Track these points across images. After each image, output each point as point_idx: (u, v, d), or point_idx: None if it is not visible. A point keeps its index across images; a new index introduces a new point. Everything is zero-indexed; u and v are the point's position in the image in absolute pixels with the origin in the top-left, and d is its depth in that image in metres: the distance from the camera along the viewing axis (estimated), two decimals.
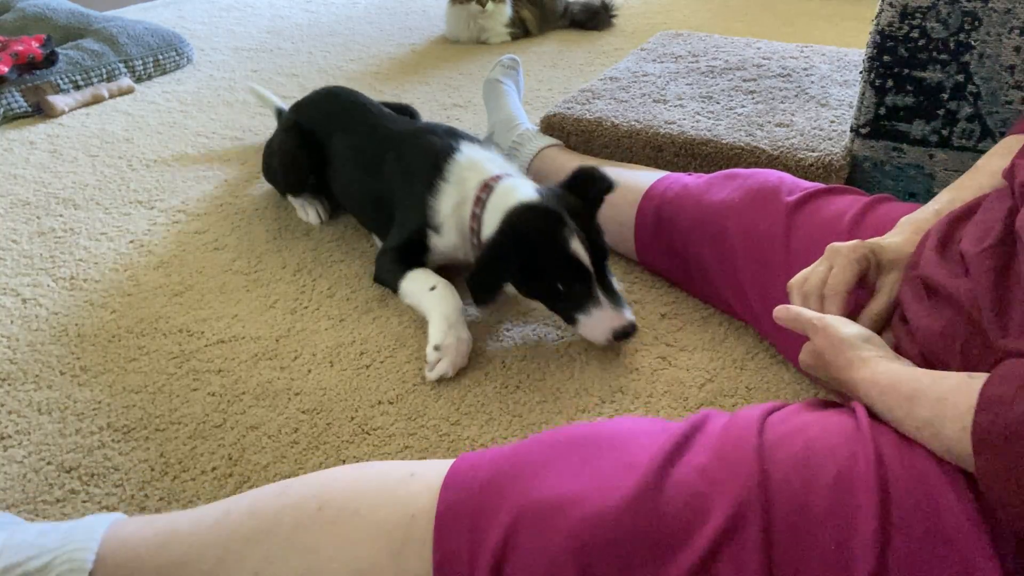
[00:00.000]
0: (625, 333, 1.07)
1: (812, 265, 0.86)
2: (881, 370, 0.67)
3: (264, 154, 1.53)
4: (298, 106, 1.50)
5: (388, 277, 1.23)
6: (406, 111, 1.56)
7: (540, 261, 1.05)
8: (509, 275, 1.09)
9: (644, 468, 0.62)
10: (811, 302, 0.83)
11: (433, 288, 1.15)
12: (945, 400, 0.58)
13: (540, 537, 0.60)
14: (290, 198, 1.51)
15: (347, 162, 1.37)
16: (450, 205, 1.18)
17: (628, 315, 1.07)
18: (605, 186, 1.13)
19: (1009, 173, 0.75)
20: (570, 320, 1.09)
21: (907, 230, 0.86)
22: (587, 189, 1.12)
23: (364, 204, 1.36)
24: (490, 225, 1.11)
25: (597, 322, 1.06)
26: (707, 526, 0.58)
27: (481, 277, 1.06)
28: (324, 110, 1.45)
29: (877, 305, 0.82)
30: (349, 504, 0.66)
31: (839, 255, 0.83)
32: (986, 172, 0.88)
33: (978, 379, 0.57)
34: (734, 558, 0.57)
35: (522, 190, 1.12)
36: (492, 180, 1.16)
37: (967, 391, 0.56)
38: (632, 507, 0.59)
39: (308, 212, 1.48)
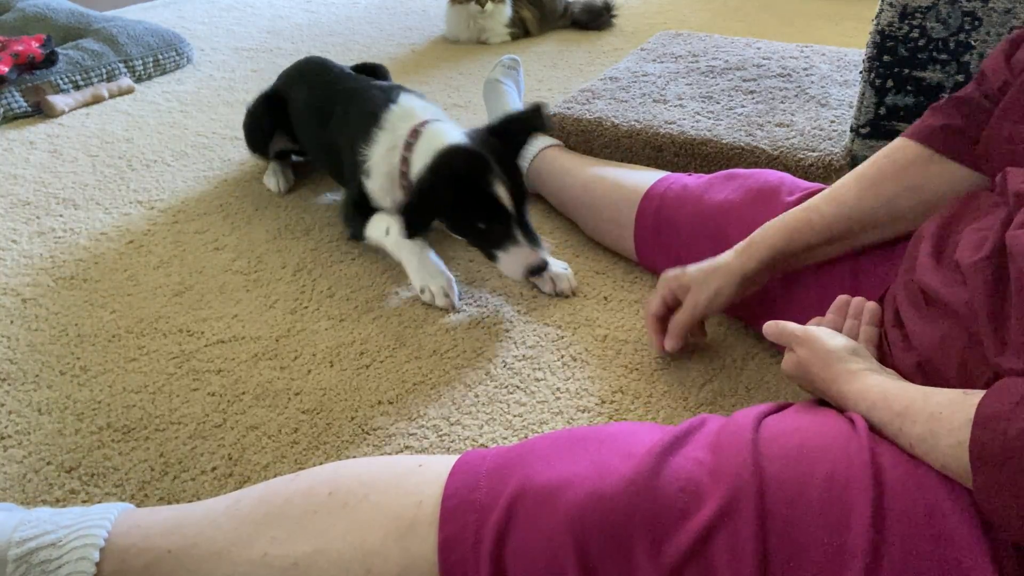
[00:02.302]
0: (538, 268, 1.15)
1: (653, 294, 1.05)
2: (871, 384, 0.67)
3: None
4: (280, 76, 1.59)
5: (352, 229, 1.33)
6: (374, 71, 1.61)
7: (464, 200, 1.12)
8: (437, 211, 1.15)
9: (642, 456, 0.64)
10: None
11: (388, 231, 1.25)
12: (939, 416, 0.58)
13: (538, 516, 0.61)
14: (264, 166, 1.62)
15: (305, 117, 1.46)
16: (381, 151, 1.24)
17: (542, 253, 1.14)
18: (530, 127, 1.19)
19: (1002, 181, 0.74)
20: (490, 256, 1.17)
21: (738, 249, 0.98)
22: (515, 132, 1.19)
23: (321, 155, 1.47)
24: (418, 166, 1.17)
25: (513, 258, 1.14)
26: (702, 510, 0.59)
27: (412, 211, 1.11)
28: (296, 75, 1.54)
29: (678, 318, 1.02)
30: (358, 491, 0.67)
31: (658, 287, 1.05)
32: (841, 205, 0.92)
33: (974, 396, 0.57)
34: (729, 541, 0.58)
35: (450, 133, 1.19)
36: (421, 125, 1.22)
37: (962, 407, 0.56)
38: (629, 489, 0.61)
39: (271, 180, 1.58)
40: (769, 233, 0.96)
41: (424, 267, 1.22)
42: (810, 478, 0.59)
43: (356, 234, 1.33)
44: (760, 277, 0.98)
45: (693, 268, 1.02)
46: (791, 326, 0.81)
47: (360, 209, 1.31)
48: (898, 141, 0.90)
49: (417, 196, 1.11)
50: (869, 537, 0.55)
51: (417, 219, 1.12)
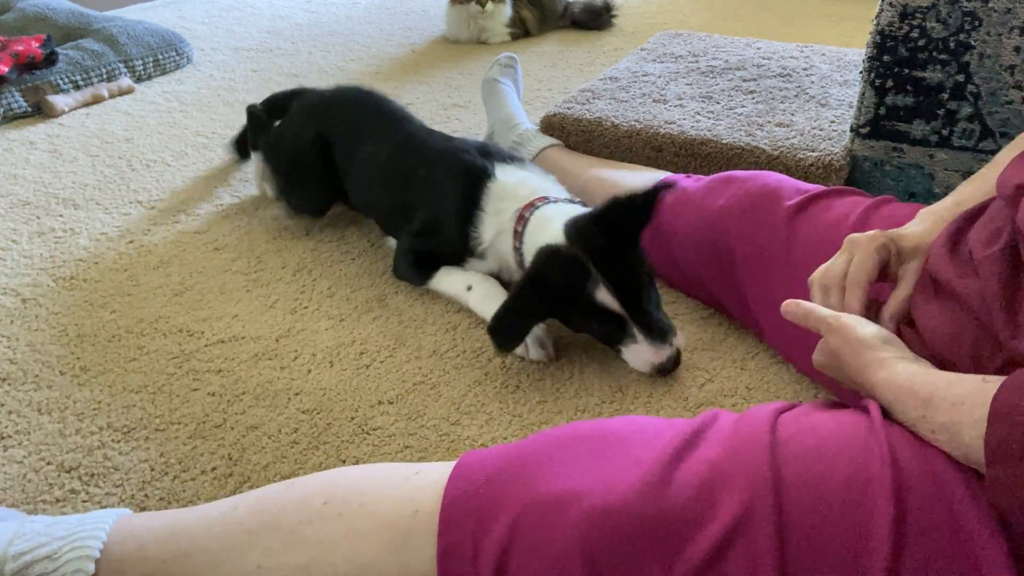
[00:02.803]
0: (664, 369, 1.05)
1: (831, 259, 0.84)
2: (899, 371, 0.66)
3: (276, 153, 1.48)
4: (312, 108, 1.45)
5: (413, 276, 1.25)
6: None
7: (567, 309, 1.05)
8: (532, 323, 1.07)
9: (651, 463, 0.61)
10: (832, 295, 0.82)
11: (470, 288, 1.18)
12: (961, 405, 0.57)
13: (546, 530, 0.59)
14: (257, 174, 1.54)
15: (370, 175, 1.34)
16: (490, 235, 1.17)
17: (667, 350, 1.03)
18: (644, 212, 1.05)
19: (1007, 182, 0.74)
20: (614, 349, 1.08)
21: (927, 220, 0.85)
22: (624, 219, 1.05)
23: (383, 214, 1.36)
24: (530, 256, 1.08)
25: (636, 355, 1.05)
26: (717, 520, 0.57)
27: (502, 326, 1.03)
28: (347, 116, 1.40)
29: (902, 293, 0.81)
30: (353, 499, 0.66)
31: (858, 246, 0.81)
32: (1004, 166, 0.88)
33: (992, 383, 0.56)
34: (747, 552, 0.56)
35: (551, 226, 1.07)
36: (526, 209, 1.13)
37: (982, 397, 0.56)
38: (638, 500, 0.59)
39: (262, 186, 1.52)
40: (948, 205, 0.86)
41: None
42: (829, 480, 0.58)
43: (413, 280, 1.26)
44: None
45: (917, 225, 0.84)
46: (821, 310, 0.76)
47: (427, 264, 1.23)
48: None
49: (509, 309, 1.03)
50: (891, 539, 0.54)
51: (510, 333, 1.04)
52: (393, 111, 1.40)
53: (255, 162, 1.55)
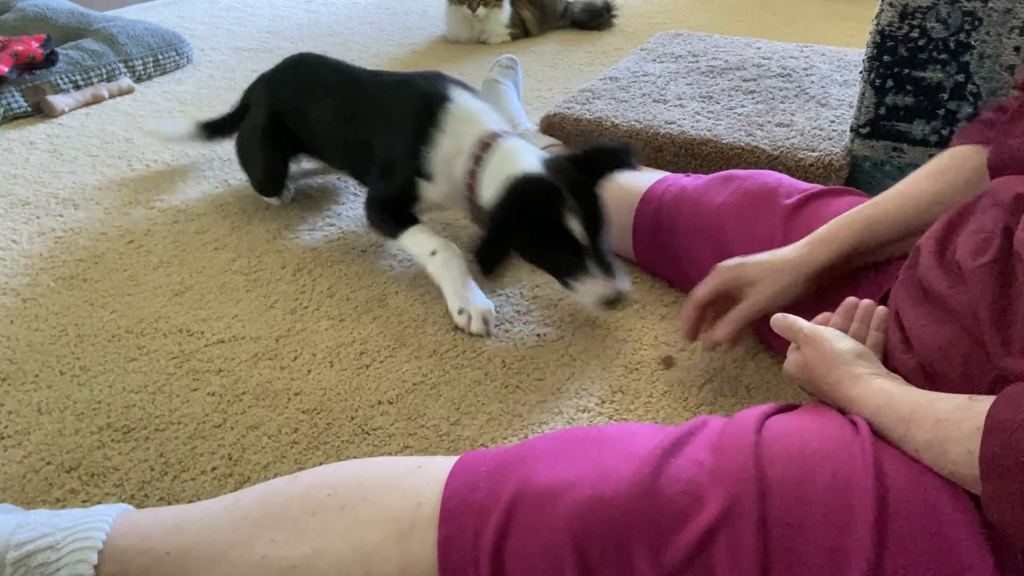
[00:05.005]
0: (613, 302, 1.09)
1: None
2: (875, 388, 0.67)
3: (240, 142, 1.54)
4: (261, 87, 1.50)
5: (385, 228, 1.28)
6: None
7: (539, 234, 1.08)
8: (514, 247, 1.11)
9: (642, 458, 0.63)
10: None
11: (434, 253, 1.20)
12: (946, 422, 0.57)
13: (537, 519, 0.61)
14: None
15: (322, 121, 1.38)
16: (444, 156, 1.19)
17: (619, 284, 1.09)
18: (617, 163, 1.13)
19: (1006, 188, 0.74)
20: (566, 285, 1.12)
21: (807, 244, 0.94)
22: (599, 163, 1.13)
23: (342, 155, 1.40)
24: (489, 188, 1.13)
25: (588, 289, 1.09)
26: (703, 512, 0.59)
27: (488, 251, 1.07)
28: (293, 80, 1.45)
29: (734, 315, 0.97)
30: (357, 492, 0.67)
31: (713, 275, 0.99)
32: (910, 198, 0.91)
33: (980, 402, 0.56)
34: (730, 544, 0.57)
35: (524, 158, 1.13)
36: (490, 138, 1.16)
37: (970, 414, 0.56)
38: (629, 491, 0.60)
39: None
40: (847, 224, 0.93)
41: (466, 290, 1.18)
42: (812, 481, 0.59)
43: (386, 232, 1.28)
44: (829, 273, 0.94)
45: (754, 261, 0.97)
46: (800, 322, 0.79)
47: (395, 210, 1.26)
48: (943, 156, 0.92)
49: (494, 234, 1.07)
50: (871, 540, 0.55)
51: (495, 257, 1.08)
52: (338, 63, 1.44)
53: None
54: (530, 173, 1.10)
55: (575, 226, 1.06)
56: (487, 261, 1.07)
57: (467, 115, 1.20)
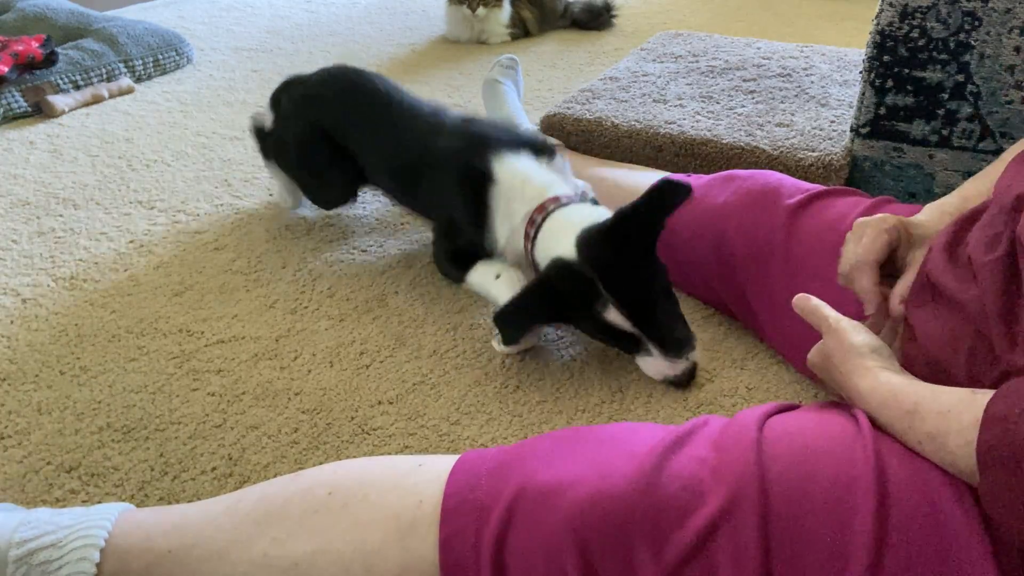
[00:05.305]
0: (679, 382, 1.04)
1: (845, 246, 0.85)
2: (882, 380, 0.67)
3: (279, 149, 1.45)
4: (301, 100, 1.41)
5: (453, 275, 1.26)
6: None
7: (578, 320, 1.05)
8: (535, 324, 1.09)
9: (644, 456, 0.63)
10: (853, 280, 0.82)
11: (498, 276, 1.18)
12: (948, 414, 0.58)
13: (539, 517, 0.61)
14: (272, 175, 1.49)
15: (378, 167, 1.34)
16: (504, 235, 1.16)
17: (682, 364, 1.02)
18: (653, 221, 1.02)
19: (1007, 188, 0.74)
20: (630, 355, 1.08)
21: (934, 212, 0.86)
22: (635, 230, 1.02)
23: (414, 207, 1.35)
24: (542, 260, 1.08)
25: (651, 366, 1.05)
26: (704, 508, 0.59)
27: (507, 319, 1.04)
28: (337, 102, 1.36)
29: (908, 279, 0.80)
30: (358, 490, 0.67)
31: (868, 226, 0.82)
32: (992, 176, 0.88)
33: (983, 395, 0.56)
34: (731, 540, 0.58)
35: (563, 235, 1.05)
36: (537, 212, 1.10)
37: (971, 406, 0.56)
38: (630, 488, 0.61)
39: (287, 198, 1.48)
40: (953, 201, 0.86)
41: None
42: (814, 478, 0.59)
43: (457, 279, 1.26)
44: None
45: (924, 216, 0.85)
46: (827, 309, 0.77)
47: (464, 260, 1.23)
48: None
49: (515, 308, 1.04)
50: (872, 536, 0.55)
51: (513, 327, 1.06)
52: (378, 90, 1.36)
53: (272, 172, 1.50)
54: (563, 260, 1.03)
55: (614, 317, 1.00)
56: (505, 328, 1.05)
57: (514, 190, 1.13)
